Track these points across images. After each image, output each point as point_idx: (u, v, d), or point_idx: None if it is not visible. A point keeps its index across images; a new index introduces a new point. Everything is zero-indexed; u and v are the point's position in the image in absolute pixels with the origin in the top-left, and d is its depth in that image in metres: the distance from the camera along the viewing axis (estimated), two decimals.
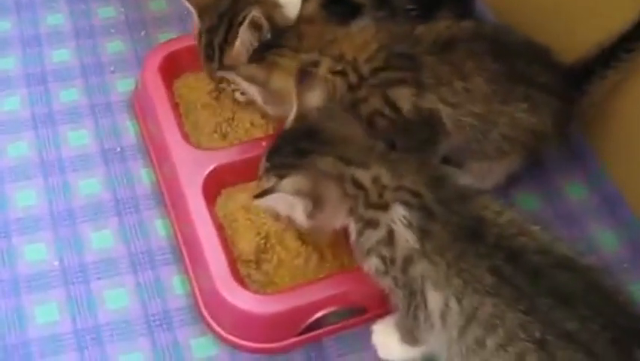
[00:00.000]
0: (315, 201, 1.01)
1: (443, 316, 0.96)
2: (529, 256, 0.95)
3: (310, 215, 1.03)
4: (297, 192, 1.00)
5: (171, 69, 1.34)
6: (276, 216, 1.14)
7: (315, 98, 1.08)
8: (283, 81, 1.15)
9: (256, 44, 1.21)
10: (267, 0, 1.23)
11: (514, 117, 1.16)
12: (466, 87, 1.14)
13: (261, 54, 1.19)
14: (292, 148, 1.05)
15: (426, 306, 0.98)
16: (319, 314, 1.11)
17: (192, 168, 1.21)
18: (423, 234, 0.97)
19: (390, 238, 0.99)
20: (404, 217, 0.98)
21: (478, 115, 1.16)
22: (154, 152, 1.30)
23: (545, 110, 1.18)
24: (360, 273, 1.06)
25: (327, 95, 1.11)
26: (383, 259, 1.00)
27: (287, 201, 1.01)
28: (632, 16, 1.16)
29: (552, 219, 1.28)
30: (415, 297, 0.99)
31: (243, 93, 1.29)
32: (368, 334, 1.14)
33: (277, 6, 1.23)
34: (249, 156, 1.23)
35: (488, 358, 0.94)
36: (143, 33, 1.48)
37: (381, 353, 1.12)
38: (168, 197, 1.25)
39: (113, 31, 1.47)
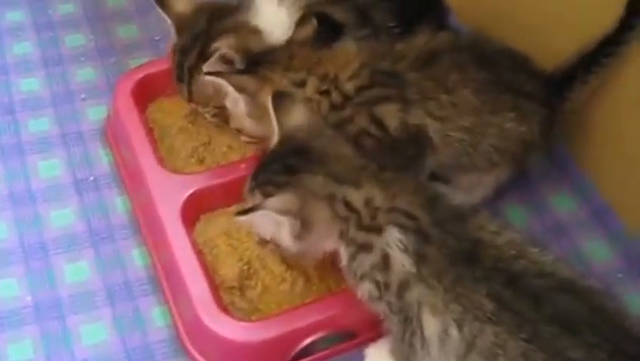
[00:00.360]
0: (304, 222, 0.95)
1: (441, 343, 0.90)
2: (529, 280, 0.89)
3: (298, 237, 0.97)
4: (285, 212, 0.94)
5: (144, 94, 1.28)
6: (262, 242, 1.08)
7: (294, 118, 1.02)
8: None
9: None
10: (244, 26, 1.18)
11: (504, 128, 1.13)
12: (452, 101, 1.10)
13: (254, 67, 1.13)
14: (279, 166, 0.99)
15: (422, 333, 0.92)
16: (309, 340, 1.05)
17: (169, 194, 1.15)
18: (419, 258, 0.92)
19: (385, 262, 0.93)
20: (400, 241, 0.92)
21: (466, 129, 1.12)
22: (128, 179, 1.23)
23: (532, 118, 1.14)
24: (349, 295, 1.01)
25: (311, 115, 1.07)
26: (377, 284, 0.94)
27: (272, 220, 0.96)
28: (606, 24, 1.13)
29: (540, 231, 1.24)
30: (410, 323, 0.93)
31: (214, 115, 1.23)
32: (360, 359, 1.07)
33: (256, 32, 1.18)
34: (228, 180, 1.18)
35: None
36: (113, 60, 1.42)
37: None
38: (145, 225, 1.18)
39: (82, 58, 1.42)
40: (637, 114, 1.18)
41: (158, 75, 1.29)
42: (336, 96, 1.11)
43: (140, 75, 1.28)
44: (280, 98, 1.03)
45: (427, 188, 1.00)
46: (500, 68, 1.14)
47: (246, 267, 1.12)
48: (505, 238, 0.93)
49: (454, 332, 0.89)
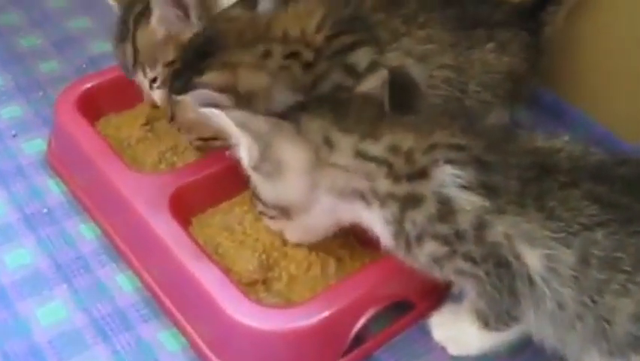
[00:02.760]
0: (272, 157, 0.77)
1: (553, 274, 0.70)
2: (613, 169, 0.74)
3: (259, 169, 0.79)
4: (242, 126, 0.78)
5: (90, 108, 1.04)
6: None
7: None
8: (252, 79, 0.90)
9: (180, 25, 0.97)
10: None
11: (486, 61, 0.98)
12: (428, 34, 0.95)
13: (207, 60, 0.92)
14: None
15: (528, 271, 0.71)
16: (366, 317, 0.82)
17: (151, 196, 0.91)
18: (487, 190, 0.72)
19: (446, 208, 0.73)
20: (457, 177, 0.73)
21: (450, 67, 0.96)
22: (93, 199, 0.98)
23: (513, 46, 1.00)
24: (392, 260, 0.80)
25: (288, 86, 0.90)
26: (444, 238, 0.74)
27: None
28: None
29: None
30: (508, 267, 0.72)
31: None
32: (422, 333, 0.85)
33: None
34: (214, 171, 0.96)
35: (614, 304, 0.69)
36: (40, 93, 1.18)
37: (454, 350, 0.84)
38: (127, 243, 0.93)
39: (4, 98, 1.16)
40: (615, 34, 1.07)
41: (102, 87, 1.07)
42: (307, 54, 0.92)
43: (83, 87, 1.05)
44: None
45: (459, 116, 0.83)
46: (463, 3, 1.00)
47: (264, 256, 0.89)
48: (560, 140, 0.77)
49: (563, 254, 0.70)
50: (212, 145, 0.96)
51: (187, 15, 0.95)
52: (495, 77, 0.99)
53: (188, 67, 0.92)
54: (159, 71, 0.98)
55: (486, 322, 0.78)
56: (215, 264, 0.84)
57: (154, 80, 0.99)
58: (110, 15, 1.04)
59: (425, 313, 0.86)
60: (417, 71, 0.94)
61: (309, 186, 0.78)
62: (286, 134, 0.78)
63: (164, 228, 0.87)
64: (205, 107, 0.82)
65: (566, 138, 0.78)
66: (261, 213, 0.88)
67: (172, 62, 0.97)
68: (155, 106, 1.02)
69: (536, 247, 0.71)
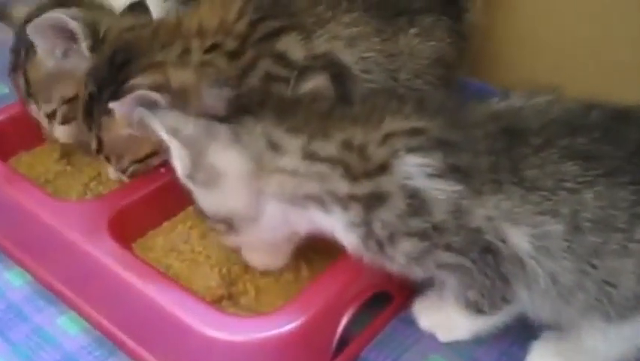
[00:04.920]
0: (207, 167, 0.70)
1: (544, 251, 0.65)
2: (585, 116, 0.69)
3: (192, 177, 0.71)
4: (168, 130, 0.70)
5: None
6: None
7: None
8: (181, 76, 0.83)
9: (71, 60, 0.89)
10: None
11: (413, 47, 0.94)
12: (353, 18, 0.91)
13: (130, 65, 0.84)
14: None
15: (516, 254, 0.66)
16: (348, 316, 0.75)
17: (87, 225, 0.81)
18: (458, 173, 0.66)
19: (416, 201, 0.67)
20: (423, 165, 0.66)
21: (379, 51, 0.92)
22: (18, 243, 0.87)
23: (437, 31, 0.97)
24: None
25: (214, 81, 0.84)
26: (421, 234, 0.67)
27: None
28: None
29: None
30: (495, 252, 0.67)
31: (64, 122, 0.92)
32: (406, 324, 0.79)
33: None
34: (151, 190, 0.87)
35: (616, 266, 0.65)
36: None
37: (444, 337, 0.78)
38: (65, 282, 0.82)
39: None
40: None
41: (7, 123, 0.97)
42: (230, 43, 0.86)
43: None
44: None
45: (407, 96, 0.78)
46: None
47: (224, 270, 0.81)
48: (515, 99, 0.71)
49: (551, 225, 0.65)
50: (150, 164, 0.87)
51: (75, 43, 0.87)
52: (424, 62, 0.95)
53: (107, 83, 0.84)
54: (56, 106, 0.90)
55: (479, 309, 0.72)
56: (174, 283, 0.75)
57: (52, 116, 0.90)
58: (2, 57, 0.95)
59: (406, 303, 0.80)
60: (347, 56, 0.89)
61: (251, 193, 0.70)
62: (221, 140, 0.70)
63: (110, 256, 0.77)
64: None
65: (521, 93, 0.72)
66: (211, 229, 0.79)
67: (73, 99, 0.89)
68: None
69: (521, 226, 0.65)
